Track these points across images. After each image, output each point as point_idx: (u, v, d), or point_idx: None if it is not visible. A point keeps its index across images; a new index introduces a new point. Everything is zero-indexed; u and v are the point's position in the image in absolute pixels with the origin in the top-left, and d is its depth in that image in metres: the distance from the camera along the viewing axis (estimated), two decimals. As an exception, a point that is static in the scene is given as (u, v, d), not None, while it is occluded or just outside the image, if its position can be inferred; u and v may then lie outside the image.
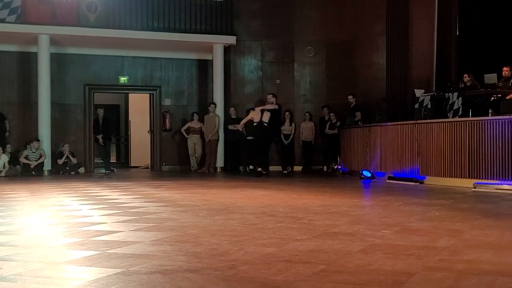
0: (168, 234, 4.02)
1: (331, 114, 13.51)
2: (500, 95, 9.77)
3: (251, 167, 12.86)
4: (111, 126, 15.29)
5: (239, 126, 12.66)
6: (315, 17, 14.50)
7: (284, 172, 12.34)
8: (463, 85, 10.60)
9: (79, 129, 14.01)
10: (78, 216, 5.14)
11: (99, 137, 14.03)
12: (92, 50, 13.99)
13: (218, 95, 14.10)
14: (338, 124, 13.29)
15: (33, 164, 12.53)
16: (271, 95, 11.91)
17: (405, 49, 13.10)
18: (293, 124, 14.16)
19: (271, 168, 12.68)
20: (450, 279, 2.67)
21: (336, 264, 2.99)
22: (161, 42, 13.76)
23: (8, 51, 13.55)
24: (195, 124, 14.14)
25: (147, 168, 15.51)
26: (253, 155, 12.65)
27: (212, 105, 13.92)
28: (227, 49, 14.30)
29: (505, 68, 10.29)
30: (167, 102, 14.70)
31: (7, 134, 13.10)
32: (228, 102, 14.23)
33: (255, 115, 11.80)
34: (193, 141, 14.13)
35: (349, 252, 3.31)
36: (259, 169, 11.75)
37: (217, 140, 13.95)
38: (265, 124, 11.55)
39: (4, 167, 12.30)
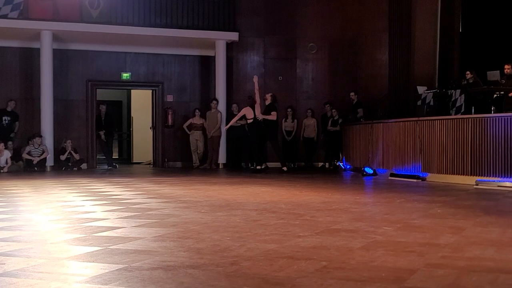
0: (170, 230, 4.03)
1: (333, 111, 13.51)
2: (502, 92, 9.76)
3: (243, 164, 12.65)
4: (114, 122, 15.29)
5: (232, 122, 12.55)
6: (318, 14, 14.48)
7: (283, 168, 11.78)
8: (465, 82, 10.58)
9: (82, 125, 14.01)
10: (81, 212, 5.15)
11: (102, 133, 14.04)
12: (95, 46, 13.97)
13: (220, 92, 14.09)
14: (340, 120, 13.28)
15: (35, 160, 12.54)
16: (269, 95, 12.02)
17: (407, 46, 13.06)
18: (295, 120, 14.18)
19: (273, 165, 12.64)
20: (452, 276, 2.67)
21: (338, 260, 2.99)
22: (163, 38, 13.76)
23: (10, 47, 13.54)
24: (197, 120, 14.13)
25: (149, 164, 15.52)
26: (245, 151, 12.52)
27: (214, 102, 13.91)
28: (229, 46, 14.28)
29: (506, 66, 10.27)
30: (169, 98, 14.69)
31: (12, 135, 13.08)
32: (230, 98, 14.22)
33: (247, 112, 11.87)
34: (195, 138, 14.13)
35: (351, 248, 3.32)
36: (258, 167, 11.74)
37: (219, 136, 13.95)
38: (260, 120, 11.60)
39: (6, 163, 12.32)
